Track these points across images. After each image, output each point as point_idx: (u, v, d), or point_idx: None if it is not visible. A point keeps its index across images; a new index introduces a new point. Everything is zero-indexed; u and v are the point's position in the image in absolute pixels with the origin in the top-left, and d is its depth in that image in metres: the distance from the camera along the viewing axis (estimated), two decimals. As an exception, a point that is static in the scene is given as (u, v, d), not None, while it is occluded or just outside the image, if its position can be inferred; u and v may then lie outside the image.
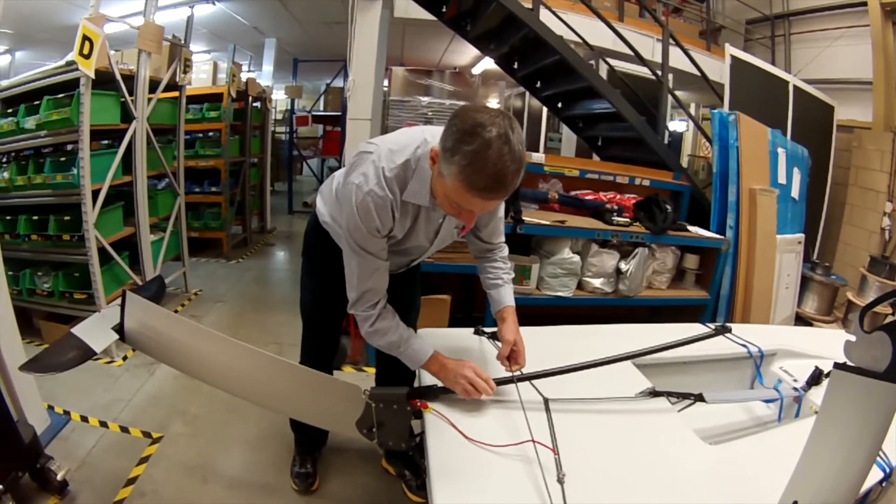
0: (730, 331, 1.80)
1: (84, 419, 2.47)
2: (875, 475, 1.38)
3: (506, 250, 1.81)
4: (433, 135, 1.34)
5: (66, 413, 2.47)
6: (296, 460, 2.17)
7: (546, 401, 1.48)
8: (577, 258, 3.10)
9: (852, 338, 0.95)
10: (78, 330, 1.67)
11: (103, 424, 2.45)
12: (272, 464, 2.20)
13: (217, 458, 2.29)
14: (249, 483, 2.16)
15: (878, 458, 1.41)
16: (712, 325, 1.88)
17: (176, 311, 3.87)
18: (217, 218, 5.50)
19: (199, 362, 1.65)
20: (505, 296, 1.71)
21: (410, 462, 2.14)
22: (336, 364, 2.90)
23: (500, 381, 1.51)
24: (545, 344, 1.89)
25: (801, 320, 4.30)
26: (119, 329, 1.65)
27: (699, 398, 1.65)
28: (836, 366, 0.97)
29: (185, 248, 4.25)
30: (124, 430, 2.43)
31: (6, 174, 3.15)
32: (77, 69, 2.74)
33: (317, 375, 1.50)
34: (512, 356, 1.56)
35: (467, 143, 1.12)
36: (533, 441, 1.28)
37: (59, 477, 1.94)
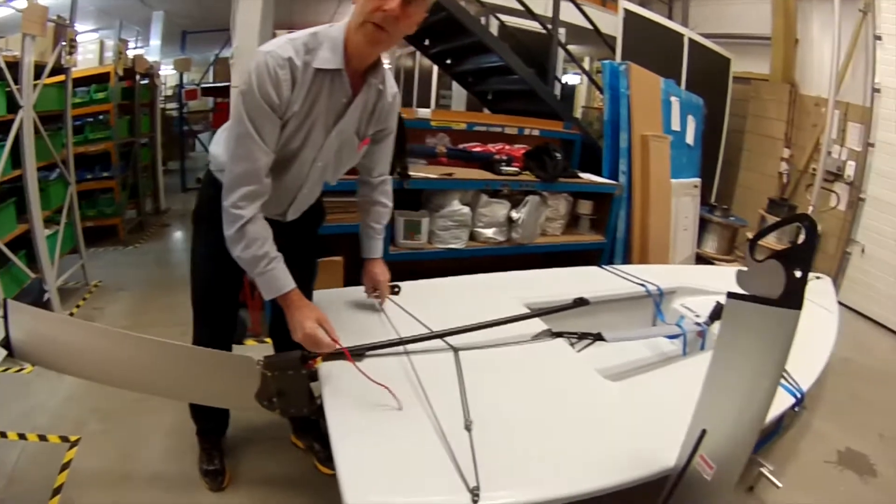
0: (587, 303, 1.85)
1: (3, 434, 2.32)
2: (785, 400, 1.44)
3: (389, 184, 1.85)
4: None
5: (-17, 432, 2.31)
6: (202, 456, 2.07)
7: (456, 351, 1.50)
8: (466, 209, 3.10)
9: (745, 268, 0.99)
10: None
11: (22, 436, 2.31)
12: (190, 450, 2.16)
13: (136, 452, 2.23)
14: (170, 473, 2.12)
15: (787, 384, 1.47)
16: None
17: (78, 306, 3.67)
18: (111, 204, 5.22)
19: (93, 363, 1.54)
20: (374, 249, 1.84)
21: (318, 434, 2.11)
22: (237, 338, 2.73)
23: (409, 340, 1.53)
24: (442, 294, 1.94)
25: (702, 260, 4.55)
26: (5, 343, 1.50)
27: (598, 337, 1.70)
28: (730, 295, 1.00)
29: (80, 239, 4.00)
30: (42, 438, 2.31)
31: None
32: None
33: (208, 353, 1.46)
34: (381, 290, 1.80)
35: None
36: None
37: (-11, 499, 1.81)
